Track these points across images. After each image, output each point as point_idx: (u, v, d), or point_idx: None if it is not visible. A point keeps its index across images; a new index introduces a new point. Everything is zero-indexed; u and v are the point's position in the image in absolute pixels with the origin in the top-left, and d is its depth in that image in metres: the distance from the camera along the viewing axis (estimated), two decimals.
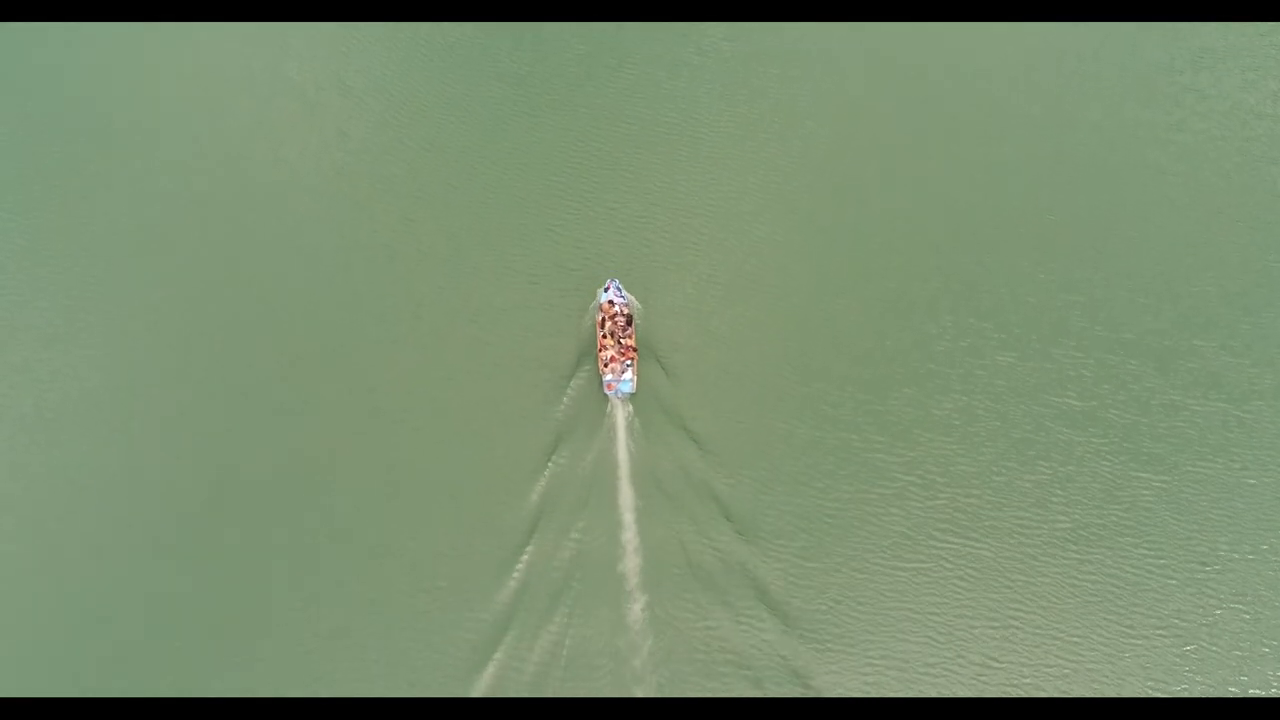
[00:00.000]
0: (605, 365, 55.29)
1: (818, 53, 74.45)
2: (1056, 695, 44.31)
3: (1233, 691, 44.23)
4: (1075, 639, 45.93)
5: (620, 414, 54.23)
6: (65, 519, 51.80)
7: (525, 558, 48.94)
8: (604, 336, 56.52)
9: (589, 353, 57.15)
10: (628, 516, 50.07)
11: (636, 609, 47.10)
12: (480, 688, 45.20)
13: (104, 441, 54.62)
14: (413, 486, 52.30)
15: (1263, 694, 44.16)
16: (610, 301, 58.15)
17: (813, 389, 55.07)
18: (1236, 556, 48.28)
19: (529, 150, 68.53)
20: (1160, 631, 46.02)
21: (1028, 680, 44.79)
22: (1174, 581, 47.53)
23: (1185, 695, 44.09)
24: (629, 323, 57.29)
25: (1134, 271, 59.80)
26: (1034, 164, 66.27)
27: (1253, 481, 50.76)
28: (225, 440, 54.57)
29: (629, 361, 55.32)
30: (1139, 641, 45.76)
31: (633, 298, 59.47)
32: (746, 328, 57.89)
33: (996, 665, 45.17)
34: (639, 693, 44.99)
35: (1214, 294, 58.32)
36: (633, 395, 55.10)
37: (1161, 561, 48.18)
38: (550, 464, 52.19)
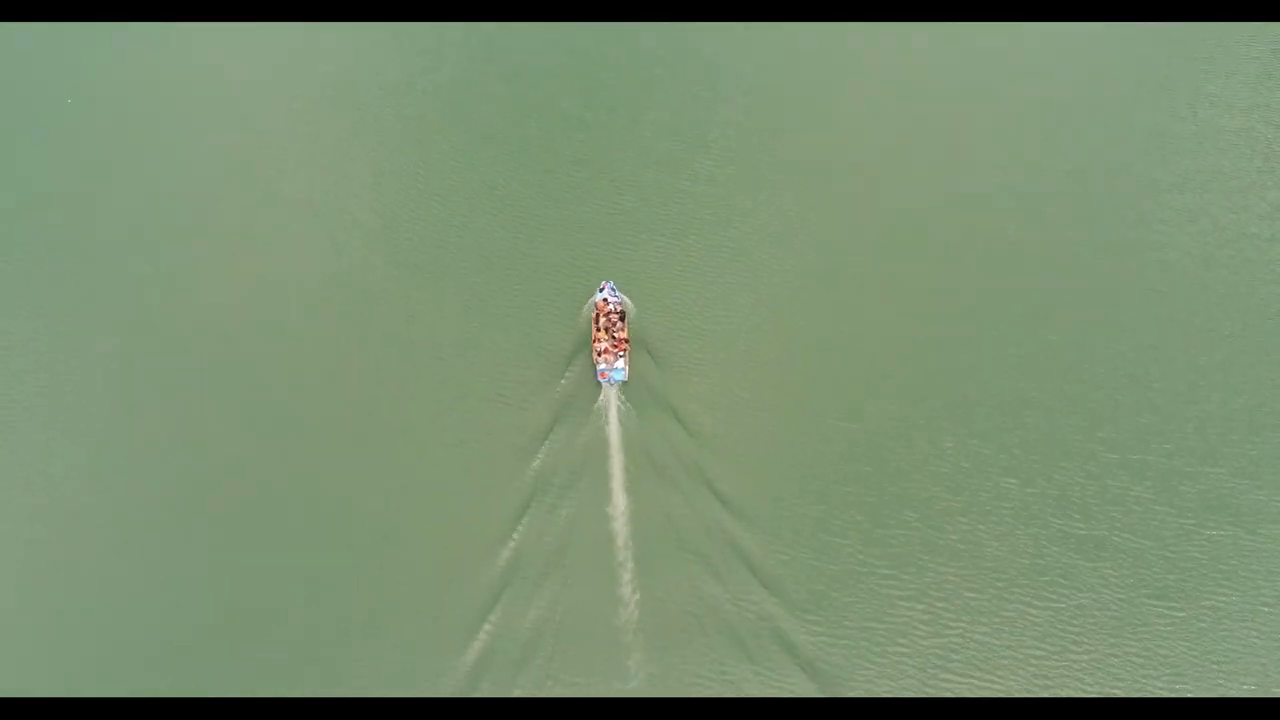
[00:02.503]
0: (599, 355, 59.57)
1: (805, 176, 75.91)
2: None
3: None
4: None
5: (613, 399, 58.03)
6: (79, 531, 54.83)
7: (524, 524, 52.82)
8: (598, 331, 61.13)
9: (584, 348, 61.76)
10: (618, 488, 54.21)
11: (625, 572, 51.01)
12: (474, 654, 48.32)
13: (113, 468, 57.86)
14: (416, 470, 56.61)
15: None
16: (605, 300, 63.28)
17: (811, 513, 54.06)
18: (1259, 692, 46.32)
19: (521, 271, 68.90)
20: None
21: None
22: None
23: None
24: (622, 318, 62.14)
25: (1136, 392, 59.48)
26: (1029, 282, 66.78)
27: (1269, 610, 49.23)
28: (232, 451, 58.33)
29: (621, 353, 59.67)
30: None
31: (626, 298, 64.44)
32: (744, 465, 56.56)
33: None
34: (628, 657, 48.37)
35: (1218, 415, 57.84)
36: (625, 384, 59.07)
37: (1186, 699, 46.26)
38: (546, 444, 56.47)
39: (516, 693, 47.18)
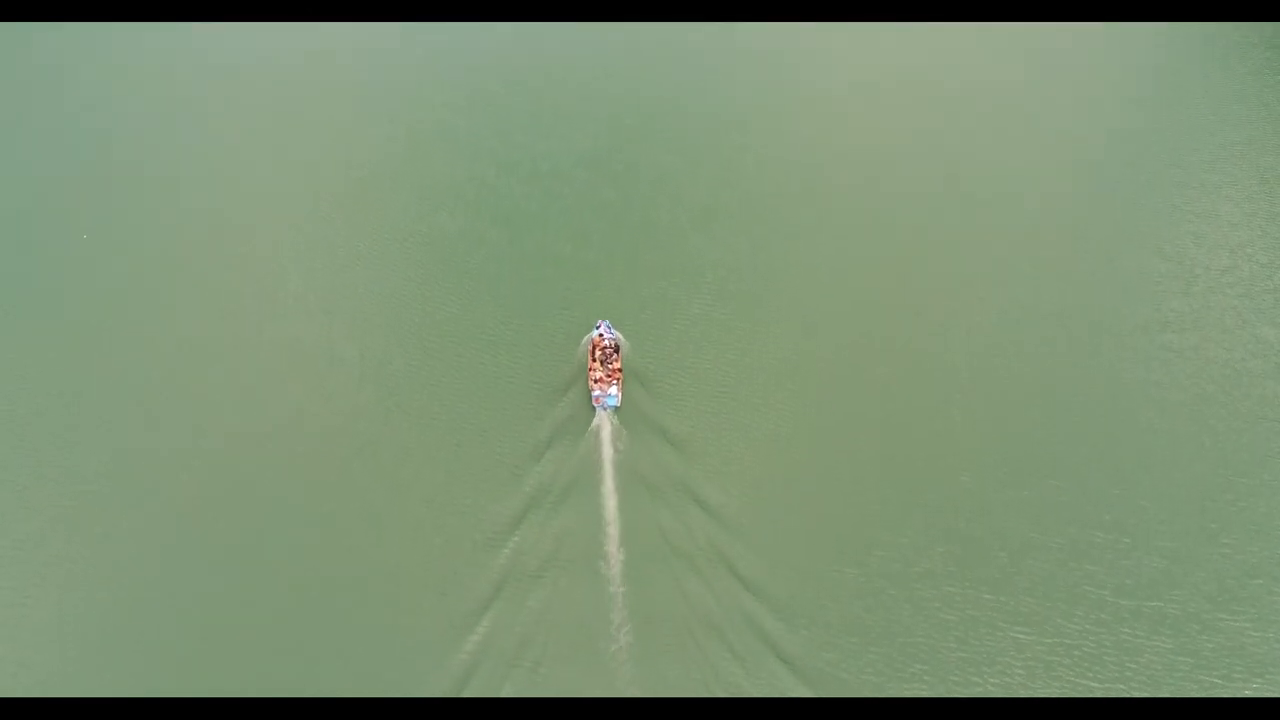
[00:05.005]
0: (594, 383, 66.00)
1: (799, 309, 76.41)
2: None
3: None
4: None
5: (606, 422, 64.13)
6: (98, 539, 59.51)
7: (521, 532, 57.82)
8: (594, 362, 67.62)
9: (581, 378, 67.83)
10: (610, 502, 59.10)
11: (616, 580, 55.19)
12: (468, 651, 51.97)
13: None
14: (417, 478, 62.20)
15: None
16: (600, 335, 69.69)
17: (814, 661, 51.50)
18: None
19: (513, 412, 68.09)
20: None
21: None
22: None
23: None
24: (616, 351, 68.59)
25: (1143, 536, 57.68)
26: (1029, 425, 65.93)
27: None
28: (239, 468, 63.65)
29: (615, 381, 65.76)
30: None
31: (620, 335, 70.91)
32: (748, 613, 54.73)
33: None
34: (617, 653, 52.17)
35: (1234, 560, 55.90)
36: (618, 409, 65.13)
37: None
38: (544, 461, 62.04)
39: (506, 692, 50.42)
